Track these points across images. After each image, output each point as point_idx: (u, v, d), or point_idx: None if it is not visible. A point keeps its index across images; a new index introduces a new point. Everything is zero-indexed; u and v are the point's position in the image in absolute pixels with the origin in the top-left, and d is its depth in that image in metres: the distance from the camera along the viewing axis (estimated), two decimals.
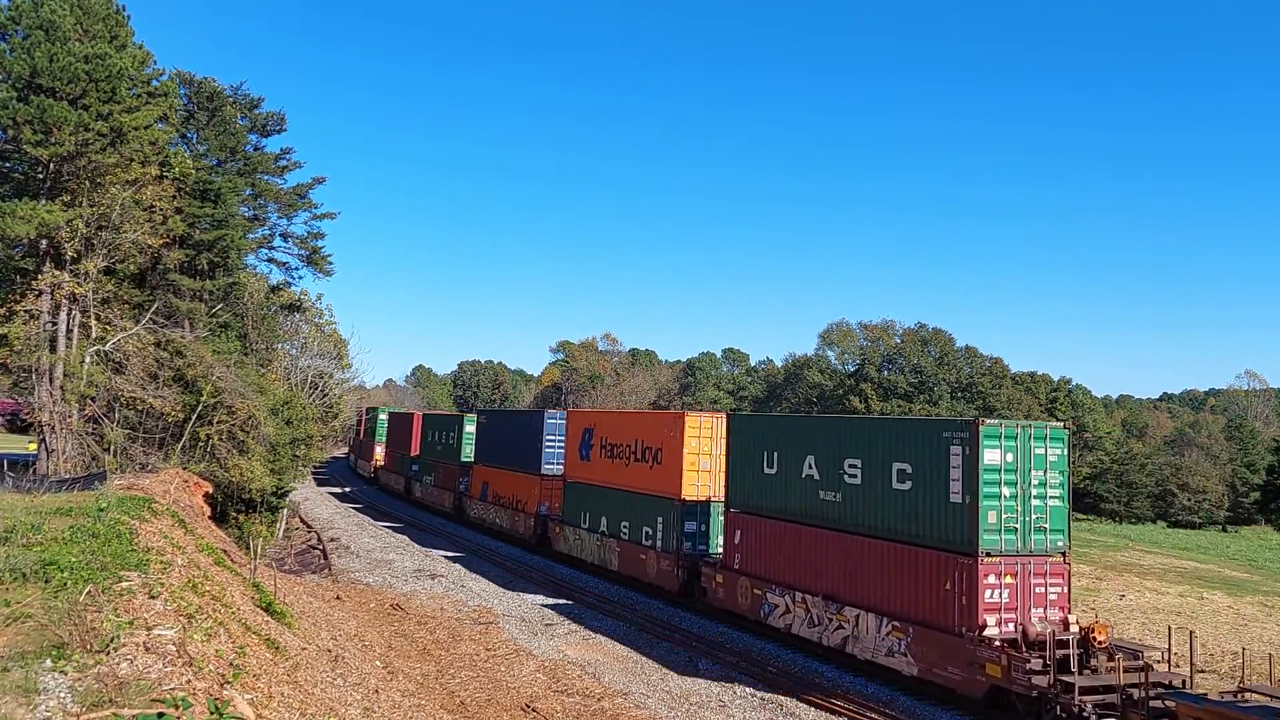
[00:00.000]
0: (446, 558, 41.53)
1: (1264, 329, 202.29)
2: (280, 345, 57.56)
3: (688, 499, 30.72)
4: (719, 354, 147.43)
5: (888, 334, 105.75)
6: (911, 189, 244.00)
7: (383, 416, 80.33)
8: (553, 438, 41.98)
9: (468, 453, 53.66)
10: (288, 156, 49.04)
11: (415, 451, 65.37)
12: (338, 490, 75.38)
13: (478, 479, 50.88)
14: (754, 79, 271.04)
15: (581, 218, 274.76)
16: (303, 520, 53.91)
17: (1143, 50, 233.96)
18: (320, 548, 44.24)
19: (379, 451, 78.74)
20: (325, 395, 71.94)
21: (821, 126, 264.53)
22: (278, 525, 45.51)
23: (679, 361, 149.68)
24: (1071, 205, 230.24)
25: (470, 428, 53.80)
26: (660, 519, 31.65)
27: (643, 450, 33.14)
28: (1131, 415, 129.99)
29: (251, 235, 46.55)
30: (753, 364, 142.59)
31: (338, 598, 30.70)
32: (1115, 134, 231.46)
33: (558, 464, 41.47)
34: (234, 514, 39.73)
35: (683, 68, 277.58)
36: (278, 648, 15.78)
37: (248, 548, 33.32)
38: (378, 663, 21.95)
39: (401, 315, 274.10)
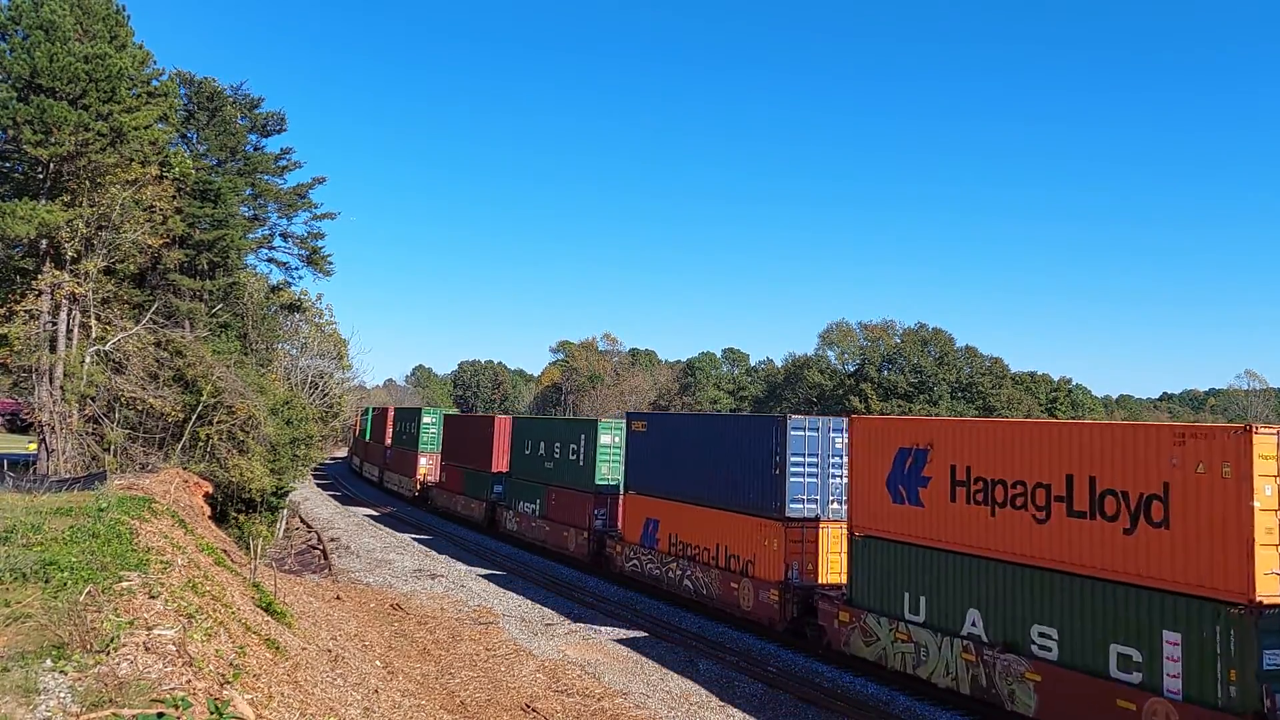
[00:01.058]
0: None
1: (1264, 329, 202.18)
2: (280, 345, 57.58)
3: (1266, 601, 14.59)
4: (719, 354, 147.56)
5: (888, 334, 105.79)
6: (911, 189, 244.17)
7: (428, 419, 63.38)
8: (802, 460, 26.24)
9: (607, 473, 37.96)
10: (288, 156, 49.09)
11: (500, 467, 48.71)
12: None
13: (634, 515, 34.11)
14: (754, 79, 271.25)
15: (582, 218, 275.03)
16: (303, 520, 53.93)
17: (1143, 50, 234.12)
18: (320, 548, 44.26)
19: (424, 464, 62.57)
20: (325, 395, 71.71)
21: (821, 126, 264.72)
22: (278, 525, 45.54)
23: (679, 361, 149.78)
24: (1072, 205, 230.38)
25: (610, 438, 37.97)
26: (1174, 637, 15.76)
27: (1099, 496, 17.26)
28: (1131, 415, 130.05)
29: (251, 235, 46.59)
30: (753, 364, 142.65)
31: (338, 598, 30.71)
32: (1116, 134, 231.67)
33: (810, 502, 26.02)
34: (234, 514, 39.77)
35: (683, 68, 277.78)
36: (278, 648, 15.79)
37: (248, 548, 33.34)
38: (378, 663, 21.96)
39: (401, 315, 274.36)
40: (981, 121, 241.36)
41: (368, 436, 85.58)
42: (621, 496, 35.93)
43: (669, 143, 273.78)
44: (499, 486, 48.68)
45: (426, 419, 63.49)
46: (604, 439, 38.20)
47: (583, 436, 39.33)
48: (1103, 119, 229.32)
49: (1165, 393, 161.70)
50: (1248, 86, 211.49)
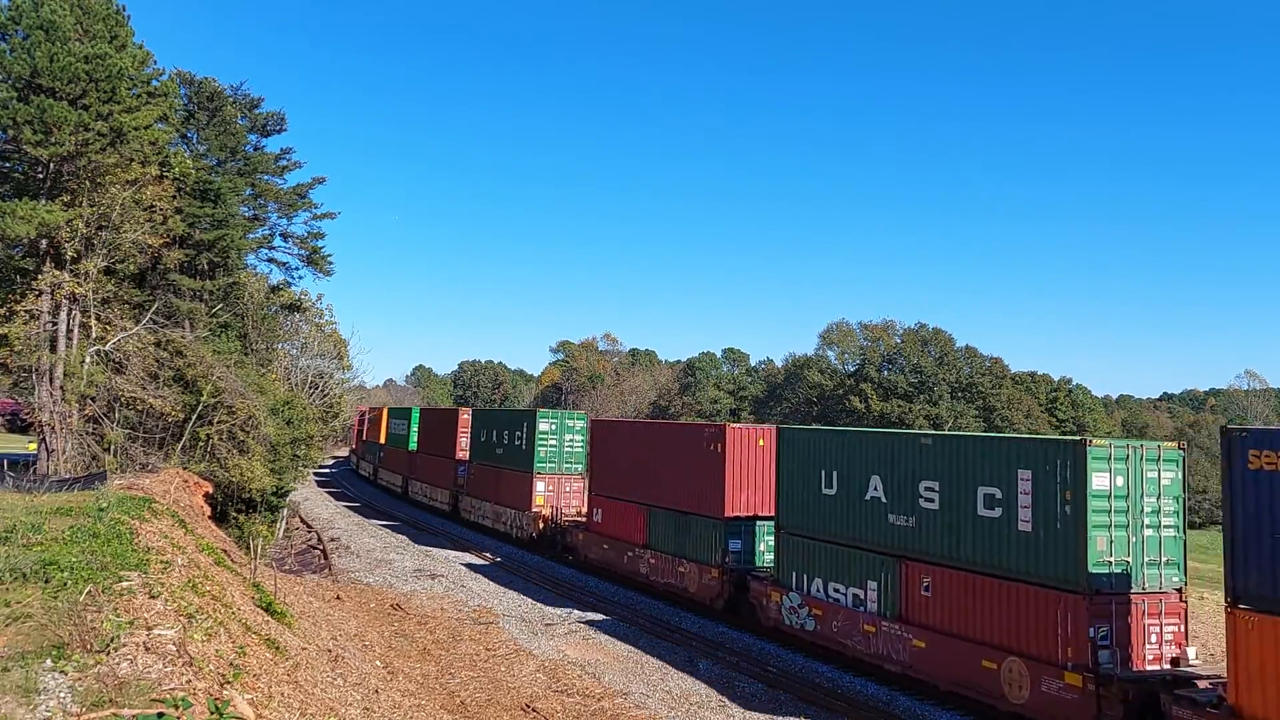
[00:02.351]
0: None
1: (1264, 329, 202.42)
2: (280, 345, 57.51)
3: None
4: (719, 354, 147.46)
5: (888, 334, 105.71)
6: (911, 189, 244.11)
7: (547, 425, 44.35)
8: None
9: (1103, 550, 18.53)
10: (288, 156, 49.09)
11: (743, 510, 29.30)
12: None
13: None
14: (754, 79, 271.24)
15: (581, 218, 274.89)
16: (303, 520, 53.94)
17: (1142, 50, 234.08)
18: (320, 548, 44.29)
19: (544, 491, 43.47)
20: (325, 395, 71.49)
21: (821, 127, 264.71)
22: (278, 525, 45.54)
23: (679, 361, 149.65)
24: (1072, 205, 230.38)
25: (1106, 479, 18.76)
26: None
27: None
28: (1131, 415, 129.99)
29: (251, 235, 46.57)
30: (753, 364, 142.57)
31: (338, 597, 30.72)
32: (1115, 134, 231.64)
33: None
34: (234, 514, 39.74)
35: (683, 68, 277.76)
36: (278, 648, 15.79)
37: (248, 548, 33.35)
38: (378, 663, 21.97)
39: (401, 315, 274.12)
40: (981, 122, 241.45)
41: (411, 445, 66.34)
42: (1228, 614, 15.75)
43: (669, 143, 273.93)
44: (736, 543, 29.01)
45: (544, 425, 44.28)
46: (1098, 480, 18.55)
47: (1025, 475, 19.52)
48: (1103, 119, 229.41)
49: (1165, 393, 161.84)
50: (1248, 87, 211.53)
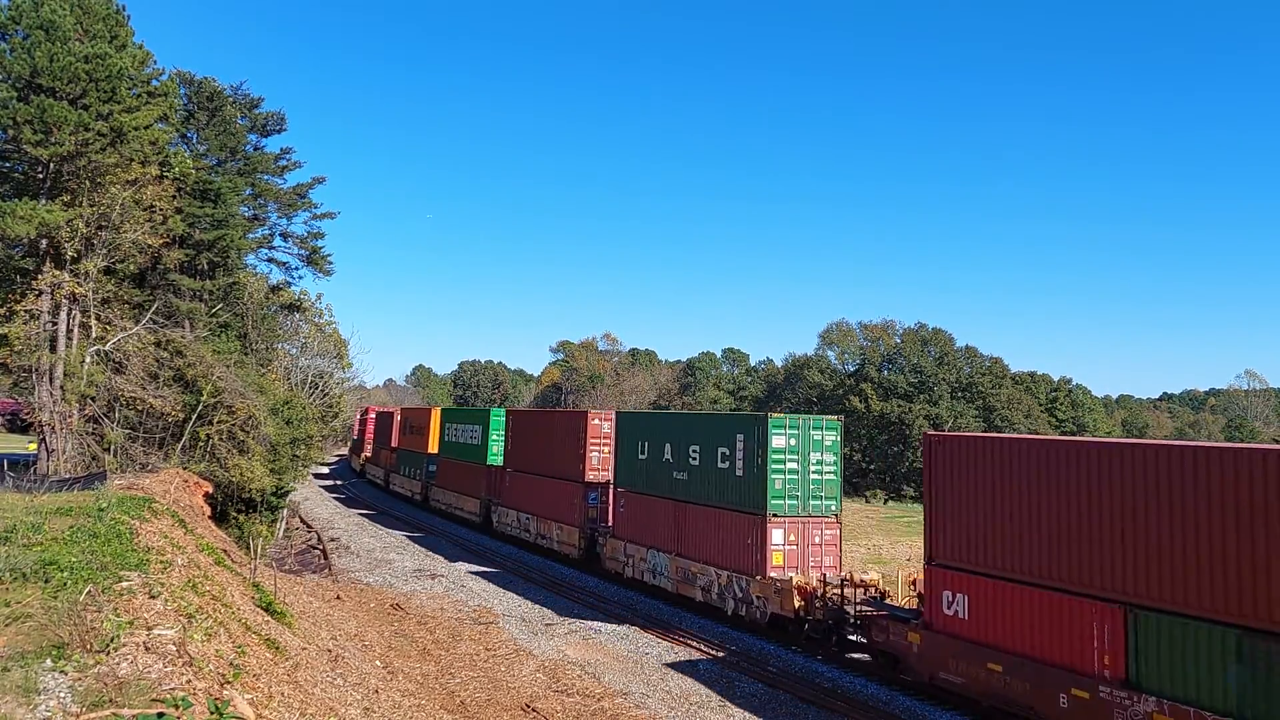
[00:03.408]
0: None
1: (1264, 329, 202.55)
2: (280, 345, 57.45)
3: None
4: (719, 354, 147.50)
5: (888, 334, 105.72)
6: (911, 189, 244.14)
7: (783, 439, 27.92)
8: None
9: None
10: (288, 156, 49.10)
11: None
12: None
13: None
14: (754, 79, 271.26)
15: (582, 218, 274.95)
16: (303, 520, 53.93)
17: (1142, 50, 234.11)
18: (320, 548, 44.28)
19: (781, 544, 27.60)
20: (325, 395, 71.30)
21: (821, 126, 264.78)
22: (278, 525, 45.51)
23: (679, 361, 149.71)
24: (1071, 205, 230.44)
25: None
26: None
27: None
28: (1131, 415, 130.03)
29: (251, 235, 46.56)
30: (753, 364, 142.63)
31: (338, 597, 30.72)
32: (1115, 134, 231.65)
33: None
34: (234, 514, 39.74)
35: (683, 68, 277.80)
36: (278, 648, 15.80)
37: (248, 548, 33.35)
38: (378, 662, 21.97)
39: (401, 315, 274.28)
40: (981, 121, 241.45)
41: (491, 459, 50.98)
42: None
43: (669, 142, 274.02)
44: None
45: (779, 439, 27.88)
46: None
47: None
48: (1103, 119, 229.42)
49: (1165, 393, 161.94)
50: (1248, 87, 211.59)
